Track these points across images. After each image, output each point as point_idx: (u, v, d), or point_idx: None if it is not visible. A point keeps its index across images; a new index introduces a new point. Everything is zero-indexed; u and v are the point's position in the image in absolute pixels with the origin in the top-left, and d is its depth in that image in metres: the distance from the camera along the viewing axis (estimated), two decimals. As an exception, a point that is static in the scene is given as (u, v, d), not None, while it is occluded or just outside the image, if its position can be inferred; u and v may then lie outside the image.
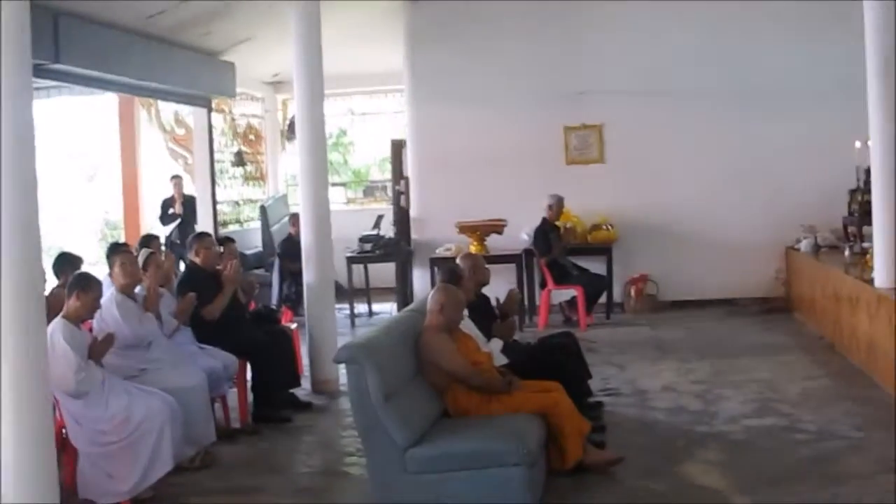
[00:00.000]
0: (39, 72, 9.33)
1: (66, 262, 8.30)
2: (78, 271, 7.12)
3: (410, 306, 7.97)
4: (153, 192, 15.24)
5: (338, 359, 6.06)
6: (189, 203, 14.05)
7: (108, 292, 7.32)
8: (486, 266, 8.13)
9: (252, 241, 14.74)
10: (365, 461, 6.13)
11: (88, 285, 6.63)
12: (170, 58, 11.50)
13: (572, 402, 6.62)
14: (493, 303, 8.02)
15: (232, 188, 15.25)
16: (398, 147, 13.94)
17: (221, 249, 8.93)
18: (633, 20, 12.78)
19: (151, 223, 15.02)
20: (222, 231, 14.41)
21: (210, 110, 13.23)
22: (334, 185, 22.88)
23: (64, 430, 6.52)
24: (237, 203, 15.63)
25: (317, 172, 9.25)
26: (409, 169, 13.65)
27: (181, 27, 11.30)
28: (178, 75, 11.76)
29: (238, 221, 15.50)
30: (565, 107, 13.04)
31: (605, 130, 13.17)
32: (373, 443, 5.96)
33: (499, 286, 11.42)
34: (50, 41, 9.03)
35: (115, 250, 7.93)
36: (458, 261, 7.98)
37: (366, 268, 13.72)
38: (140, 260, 7.79)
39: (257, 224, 14.91)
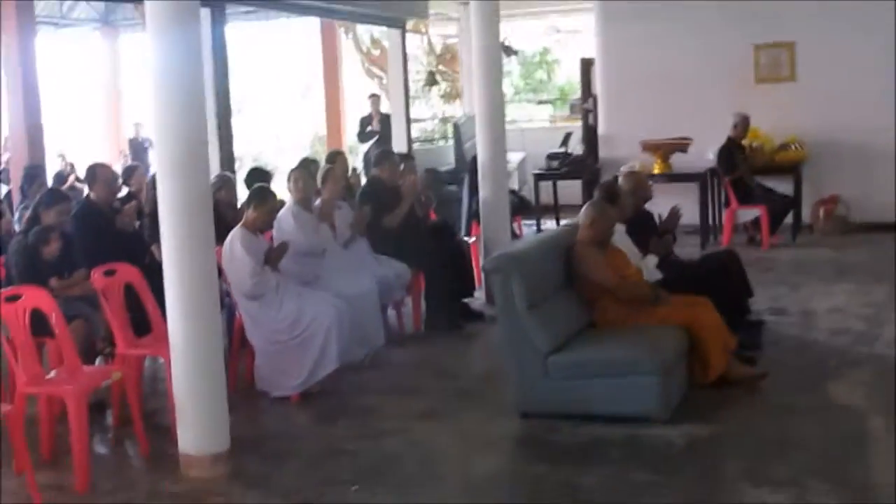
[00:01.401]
0: (236, -2, 9.97)
1: (257, 176, 8.94)
2: (257, 185, 7.68)
3: (569, 220, 8.21)
4: (353, 110, 15.87)
5: (485, 267, 6.44)
6: (385, 121, 14.60)
7: (287, 204, 7.91)
8: (650, 183, 8.28)
9: (446, 158, 15.16)
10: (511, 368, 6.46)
11: (264, 198, 7.21)
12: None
13: (721, 317, 6.77)
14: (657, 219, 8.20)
15: (426, 106, 15.70)
16: (587, 65, 14.04)
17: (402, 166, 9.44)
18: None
19: (352, 139, 15.67)
20: (417, 148, 14.96)
21: (404, 31, 13.65)
22: (540, 102, 23.23)
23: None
24: (431, 120, 16.08)
25: (491, 91, 9.51)
26: (598, 87, 13.74)
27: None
28: (371, -2, 12.21)
29: (431, 139, 15.96)
30: (756, 24, 12.78)
31: (796, 48, 12.87)
32: (517, 349, 6.32)
33: (684, 204, 11.57)
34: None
35: (298, 166, 8.50)
36: (620, 178, 8.19)
37: (554, 184, 13.93)
38: (319, 175, 8.34)
39: (451, 142, 15.33)
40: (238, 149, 22.61)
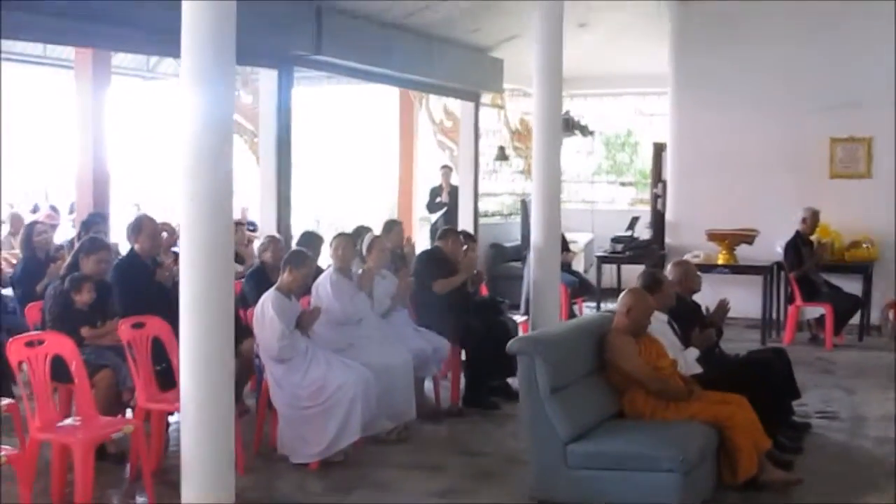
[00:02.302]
0: (302, 61, 10.08)
1: (308, 240, 8.95)
2: (295, 248, 7.68)
3: (609, 307, 8.07)
4: (425, 180, 15.94)
5: (509, 349, 6.32)
6: (454, 193, 14.62)
7: (327, 270, 7.90)
8: (699, 274, 8.11)
9: (512, 234, 15.12)
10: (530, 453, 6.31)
11: (302, 262, 7.21)
12: (436, 52, 12.02)
13: (757, 417, 6.55)
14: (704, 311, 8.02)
15: (496, 181, 15.69)
16: (659, 150, 13.93)
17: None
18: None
19: (422, 209, 15.71)
20: (484, 222, 14.93)
21: (477, 104, 13.69)
22: (622, 184, 23.08)
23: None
24: (502, 195, 16.06)
25: (549, 169, 9.42)
26: (668, 172, 13.61)
27: (449, 23, 11.79)
28: (445, 69, 12.28)
29: (500, 214, 15.92)
30: (833, 117, 12.53)
31: (874, 143, 12.61)
32: (537, 434, 6.17)
33: (746, 297, 11.31)
34: (312, 33, 9.73)
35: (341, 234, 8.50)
36: (669, 267, 8.05)
37: (618, 268, 13.80)
38: (365, 243, 8.32)
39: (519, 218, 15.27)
40: (316, 211, 22.99)
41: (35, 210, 14.99)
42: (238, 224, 11.83)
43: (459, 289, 9.03)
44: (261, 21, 9.01)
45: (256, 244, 9.93)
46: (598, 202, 19.90)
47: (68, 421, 6.08)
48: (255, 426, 7.38)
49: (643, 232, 13.68)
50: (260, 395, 7.44)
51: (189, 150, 5.52)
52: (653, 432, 6.18)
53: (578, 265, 14.21)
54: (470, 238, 10.00)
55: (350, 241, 8.06)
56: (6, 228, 13.35)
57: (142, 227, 7.77)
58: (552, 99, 9.40)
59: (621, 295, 6.89)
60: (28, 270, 8.70)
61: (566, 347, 6.45)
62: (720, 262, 12.03)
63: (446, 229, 10.00)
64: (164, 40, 6.22)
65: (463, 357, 8.94)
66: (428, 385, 8.79)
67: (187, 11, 5.40)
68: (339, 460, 7.00)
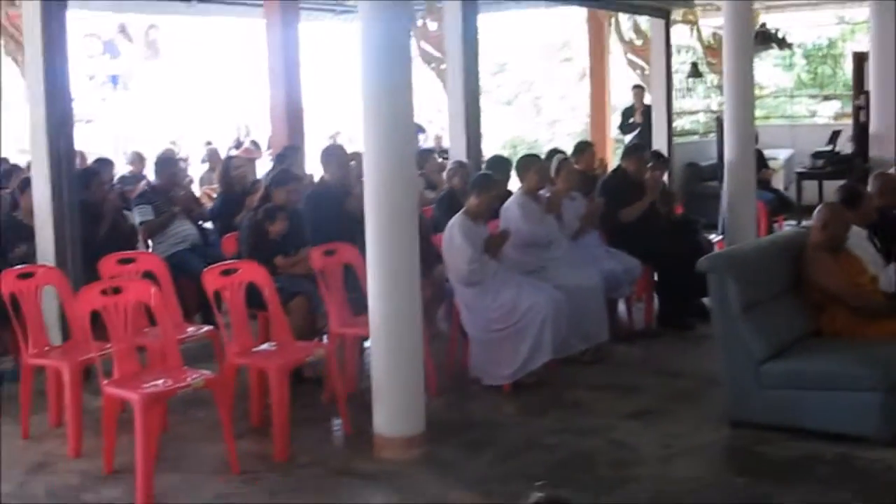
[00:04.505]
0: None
1: (497, 164, 8.92)
2: (481, 172, 7.67)
3: (792, 221, 7.78)
4: (617, 100, 15.70)
5: (699, 267, 6.17)
6: (647, 113, 14.32)
7: (515, 193, 7.87)
8: (902, 186, 7.71)
9: (709, 153, 14.72)
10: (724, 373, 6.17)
11: (488, 186, 7.19)
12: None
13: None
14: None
15: (691, 98, 15.30)
16: (860, 60, 13.29)
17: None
18: None
19: (613, 130, 15.49)
20: (679, 141, 14.60)
21: (668, 22, 13.33)
22: (825, 98, 22.20)
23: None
24: (697, 113, 15.66)
25: (741, 84, 9.14)
26: (871, 83, 12.96)
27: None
28: (633, -14, 11.99)
29: (694, 132, 15.54)
30: None
31: None
32: (731, 354, 6.04)
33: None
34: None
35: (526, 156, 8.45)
36: (870, 180, 7.68)
37: (820, 184, 13.27)
38: (553, 165, 8.24)
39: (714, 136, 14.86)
40: (509, 134, 22.99)
41: (237, 145, 15.47)
42: (430, 151, 11.95)
43: (650, 209, 8.86)
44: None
45: (449, 171, 9.98)
46: (799, 117, 19.22)
47: (264, 346, 6.28)
48: (448, 350, 7.46)
49: (845, 146, 13.12)
50: (452, 319, 7.51)
51: (369, 80, 5.56)
52: (853, 350, 5.93)
53: (778, 182, 13.73)
54: (658, 157, 9.74)
55: (537, 164, 7.98)
56: (206, 165, 13.87)
57: (331, 156, 7.93)
58: (742, 11, 9.11)
59: (816, 210, 6.62)
60: (226, 204, 8.97)
61: (759, 264, 6.27)
62: (930, 173, 11.40)
63: (628, 147, 9.80)
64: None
65: (656, 278, 8.79)
66: (621, 307, 8.70)
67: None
68: (531, 381, 7.01)
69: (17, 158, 11.55)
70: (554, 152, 8.83)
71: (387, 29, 5.52)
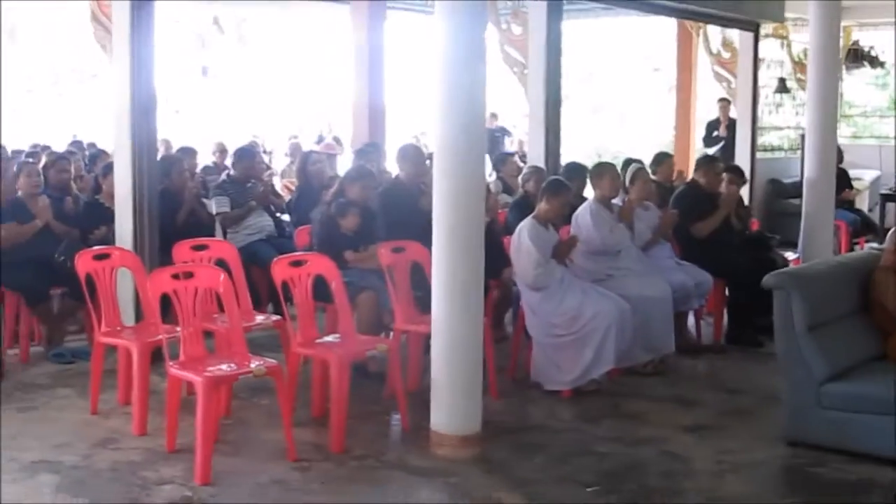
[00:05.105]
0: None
1: (571, 171, 8.96)
2: (552, 177, 7.71)
3: (875, 244, 7.68)
4: (702, 113, 15.59)
5: (765, 283, 6.15)
6: (732, 127, 14.19)
7: (588, 200, 7.89)
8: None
9: (792, 170, 14.56)
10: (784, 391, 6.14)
11: (558, 191, 7.22)
12: (714, -20, 11.67)
13: None
14: None
15: (778, 114, 15.12)
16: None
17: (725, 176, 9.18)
18: None
19: (697, 142, 15.39)
20: (764, 156, 14.45)
21: (756, 35, 13.19)
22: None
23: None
24: (783, 129, 15.49)
25: (825, 101, 9.05)
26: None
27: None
28: (723, -1, 11.90)
29: (780, 148, 15.35)
30: None
31: None
32: (792, 372, 6.01)
33: None
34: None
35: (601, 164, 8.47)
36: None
37: (905, 206, 13.08)
38: (628, 174, 8.25)
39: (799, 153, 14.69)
40: (593, 143, 22.94)
41: (319, 141, 15.68)
42: (510, 155, 12.00)
43: (724, 223, 8.80)
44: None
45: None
46: (892, 138, 18.83)
47: (329, 338, 6.38)
48: (511, 353, 7.51)
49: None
50: (516, 322, 7.56)
51: (442, 79, 5.64)
52: (915, 376, 5.86)
53: (862, 203, 13.57)
54: (735, 171, 9.62)
55: (612, 172, 7.99)
56: (289, 158, 14.08)
57: (407, 155, 8.03)
58: (829, 27, 9.00)
59: (890, 232, 6.55)
60: (303, 198, 9.12)
61: (826, 284, 6.23)
62: None
63: (699, 159, 9.67)
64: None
65: (727, 293, 8.74)
66: (691, 321, 8.66)
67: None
68: (591, 389, 7.04)
69: (105, 145, 11.85)
70: (630, 161, 8.83)
71: (461, 27, 5.58)
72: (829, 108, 9.18)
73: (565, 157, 10.74)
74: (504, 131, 18.53)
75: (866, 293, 6.42)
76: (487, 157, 13.62)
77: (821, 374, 5.85)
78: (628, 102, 24.04)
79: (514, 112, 18.53)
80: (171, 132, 13.15)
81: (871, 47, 15.28)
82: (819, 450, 5.83)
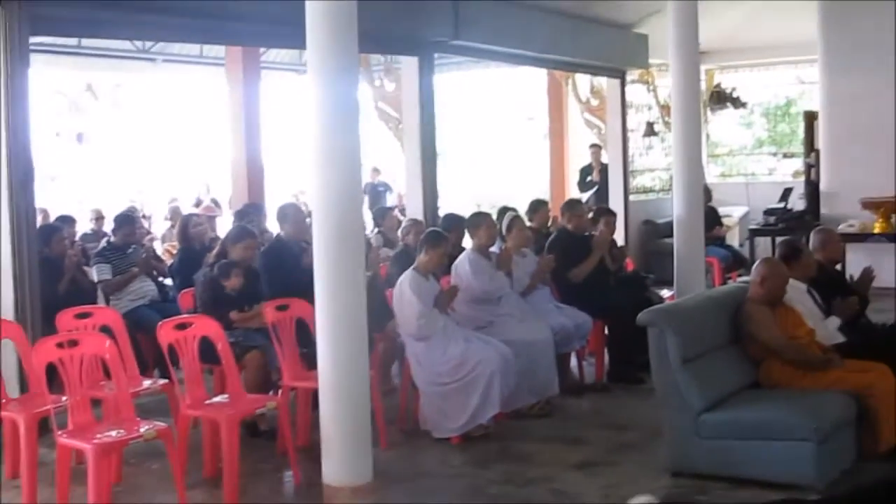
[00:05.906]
0: (441, 47, 10.28)
1: (449, 223, 9.13)
2: (431, 229, 7.88)
3: (746, 277, 7.99)
4: (576, 159, 15.99)
5: (639, 320, 6.36)
6: (605, 171, 14.60)
7: (466, 250, 8.08)
8: (840, 242, 7.98)
9: (666, 211, 14.98)
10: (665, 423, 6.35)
11: (437, 242, 7.39)
12: (579, 31, 12.04)
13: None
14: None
15: (648, 156, 15.59)
16: (811, 119, 13.63)
17: (591, 216, 9.46)
18: None
19: (572, 188, 15.75)
20: (637, 199, 14.87)
21: (623, 81, 13.65)
22: (785, 156, 22.59)
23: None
24: (654, 171, 15.95)
25: (688, 144, 9.39)
26: (821, 141, 13.30)
27: (589, 1, 11.79)
28: (588, 48, 12.29)
29: (652, 190, 15.80)
30: None
31: None
32: (670, 405, 6.22)
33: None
34: (451, 19, 9.91)
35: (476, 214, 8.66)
36: (811, 235, 7.94)
37: (773, 240, 13.52)
38: (505, 223, 8.46)
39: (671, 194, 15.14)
40: (472, 193, 23.25)
41: (197, 203, 15.63)
42: (389, 209, 12.16)
43: (599, 265, 9.06)
44: (398, 9, 9.25)
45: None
46: (759, 175, 19.54)
47: (217, 399, 6.41)
48: (399, 403, 7.61)
49: (797, 203, 13.43)
50: (403, 373, 7.67)
51: (317, 140, 5.77)
52: (787, 401, 6.13)
53: (733, 239, 14.03)
54: (607, 213, 9.88)
55: (488, 221, 8.19)
56: (169, 222, 14.02)
57: (287, 214, 8.12)
58: (689, 71, 9.38)
59: (755, 265, 6.85)
60: (185, 261, 9.11)
61: (698, 318, 6.47)
62: (876, 230, 11.74)
63: (564, 205, 9.82)
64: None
65: (606, 333, 8.99)
66: (574, 362, 8.87)
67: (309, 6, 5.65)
68: (480, 434, 7.16)
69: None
70: (505, 210, 9.05)
71: (334, 86, 5.75)
72: (694, 149, 9.53)
73: (445, 209, 10.96)
74: (385, 186, 18.69)
75: (737, 325, 6.68)
76: (368, 211, 13.87)
77: (698, 405, 6.08)
78: (505, 151, 24.46)
79: (396, 166, 18.74)
80: (48, 200, 12.99)
81: (734, 89, 15.90)
82: (702, 478, 6.04)
